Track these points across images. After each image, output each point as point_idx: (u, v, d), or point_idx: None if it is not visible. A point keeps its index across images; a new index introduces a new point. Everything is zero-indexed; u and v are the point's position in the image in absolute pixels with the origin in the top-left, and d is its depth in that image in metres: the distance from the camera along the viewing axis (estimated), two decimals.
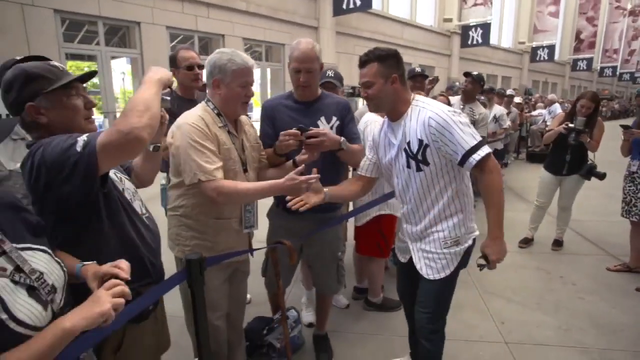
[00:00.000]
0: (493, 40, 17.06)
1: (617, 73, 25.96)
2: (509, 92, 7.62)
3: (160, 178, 2.49)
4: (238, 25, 8.61)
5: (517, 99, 8.43)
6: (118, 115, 7.41)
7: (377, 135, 1.80)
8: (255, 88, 2.02)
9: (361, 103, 7.38)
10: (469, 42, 14.86)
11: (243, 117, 1.79)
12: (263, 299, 2.48)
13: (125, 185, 1.29)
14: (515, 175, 7.45)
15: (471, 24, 14.64)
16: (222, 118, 1.64)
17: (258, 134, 1.91)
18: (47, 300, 0.87)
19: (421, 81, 3.53)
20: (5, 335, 0.76)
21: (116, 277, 0.95)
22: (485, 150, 1.51)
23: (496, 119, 5.54)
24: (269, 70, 9.94)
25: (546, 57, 20.06)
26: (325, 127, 1.88)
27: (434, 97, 3.71)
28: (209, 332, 1.50)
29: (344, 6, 9.89)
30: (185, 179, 1.56)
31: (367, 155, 1.87)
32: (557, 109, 8.74)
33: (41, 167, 1.02)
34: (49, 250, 0.95)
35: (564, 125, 3.48)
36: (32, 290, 0.84)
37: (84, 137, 1.03)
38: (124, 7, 6.67)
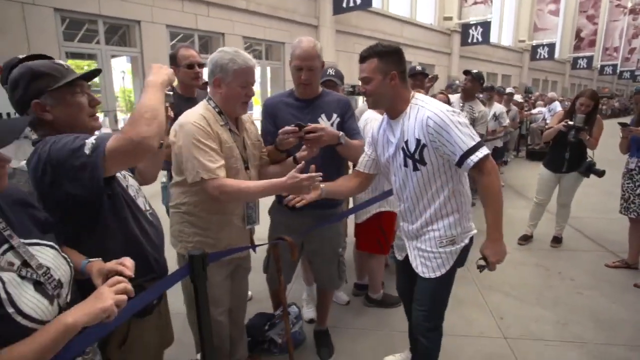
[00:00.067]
0: (493, 38, 17.02)
1: (618, 71, 25.89)
2: (508, 90, 7.63)
3: (161, 176, 2.51)
4: (238, 23, 8.59)
5: (517, 97, 8.44)
6: (118, 114, 7.48)
7: (376, 132, 1.80)
8: (255, 87, 2.03)
9: (361, 101, 7.38)
10: (469, 41, 14.80)
11: (244, 115, 1.79)
12: (264, 296, 2.51)
13: (129, 182, 1.30)
14: (514, 173, 7.48)
15: (471, 22, 14.59)
16: (223, 116, 1.65)
17: (259, 131, 1.93)
18: (54, 295, 0.88)
19: (421, 79, 3.55)
20: (11, 329, 0.78)
21: (120, 274, 0.97)
22: (484, 151, 1.49)
23: (496, 117, 5.56)
24: (269, 68, 9.92)
25: (546, 56, 20.00)
26: (326, 124, 1.89)
27: (434, 96, 3.73)
28: (212, 327, 1.52)
29: (344, 4, 9.87)
30: (187, 177, 1.57)
31: (366, 151, 1.87)
32: (557, 107, 8.72)
33: (47, 165, 1.03)
34: (56, 246, 0.97)
35: (563, 123, 3.49)
36: (38, 285, 0.86)
37: (92, 139, 1.04)
38: (124, 6, 6.67)
